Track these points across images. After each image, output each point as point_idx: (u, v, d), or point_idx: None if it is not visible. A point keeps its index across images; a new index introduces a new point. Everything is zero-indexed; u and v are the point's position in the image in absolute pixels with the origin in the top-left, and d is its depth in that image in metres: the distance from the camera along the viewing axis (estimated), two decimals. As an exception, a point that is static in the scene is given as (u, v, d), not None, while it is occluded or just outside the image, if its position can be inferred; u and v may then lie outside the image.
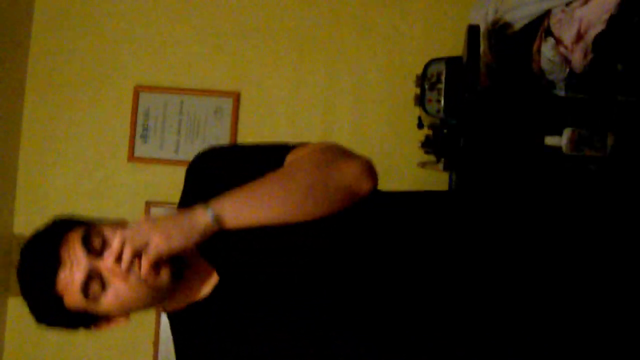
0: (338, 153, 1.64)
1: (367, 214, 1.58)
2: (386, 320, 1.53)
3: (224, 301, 1.59)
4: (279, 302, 1.55)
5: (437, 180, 3.18)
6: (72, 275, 1.50)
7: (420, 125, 3.02)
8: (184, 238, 1.50)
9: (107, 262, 1.50)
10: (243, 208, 1.53)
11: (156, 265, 1.51)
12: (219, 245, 1.56)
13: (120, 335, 3.47)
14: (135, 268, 1.50)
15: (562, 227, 1.62)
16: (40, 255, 1.53)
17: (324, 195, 1.55)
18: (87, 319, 1.57)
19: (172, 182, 3.45)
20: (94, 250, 1.51)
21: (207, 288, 1.61)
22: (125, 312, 1.57)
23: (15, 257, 1.58)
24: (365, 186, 1.59)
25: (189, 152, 3.45)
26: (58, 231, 1.55)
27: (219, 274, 1.60)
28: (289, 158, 1.63)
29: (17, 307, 3.41)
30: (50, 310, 1.55)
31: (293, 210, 1.53)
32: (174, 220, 1.51)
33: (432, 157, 3.01)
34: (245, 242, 1.56)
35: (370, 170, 1.62)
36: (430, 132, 2.98)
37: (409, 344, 1.53)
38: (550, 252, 1.57)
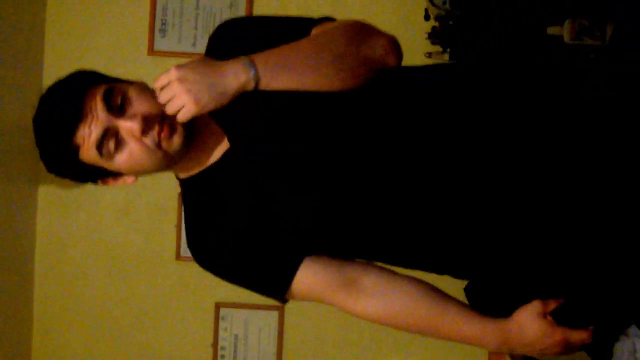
0: (366, 28, 1.63)
1: (381, 90, 1.58)
2: (392, 193, 1.53)
3: (233, 167, 1.59)
4: (289, 172, 1.55)
5: (443, 69, 3.28)
6: (89, 130, 1.48)
7: (426, 17, 3.10)
8: (216, 99, 1.49)
9: (126, 123, 1.49)
10: (280, 70, 1.50)
11: (171, 130, 1.50)
12: (232, 109, 1.54)
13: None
14: (153, 131, 1.49)
15: (563, 116, 1.59)
16: (64, 105, 1.50)
17: (354, 67, 1.55)
18: (96, 174, 1.57)
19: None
20: (115, 108, 1.50)
21: (217, 153, 1.60)
22: (135, 172, 1.57)
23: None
24: (392, 61, 1.61)
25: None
26: (82, 84, 1.53)
27: (230, 140, 1.59)
28: (316, 31, 1.63)
29: (48, 195, 3.59)
30: (64, 161, 1.53)
31: (323, 79, 1.53)
32: (209, 76, 1.48)
33: (438, 48, 3.10)
34: (259, 108, 1.55)
35: (397, 45, 1.62)
36: (436, 24, 3.07)
37: (412, 213, 1.53)
38: (549, 139, 1.55)
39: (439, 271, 1.64)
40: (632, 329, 1.64)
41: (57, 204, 3.61)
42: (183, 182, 1.66)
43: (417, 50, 3.35)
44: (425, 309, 1.60)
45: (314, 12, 3.48)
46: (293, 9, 3.58)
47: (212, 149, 1.60)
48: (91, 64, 3.62)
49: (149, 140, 1.50)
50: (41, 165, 1.59)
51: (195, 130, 1.56)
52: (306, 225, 1.57)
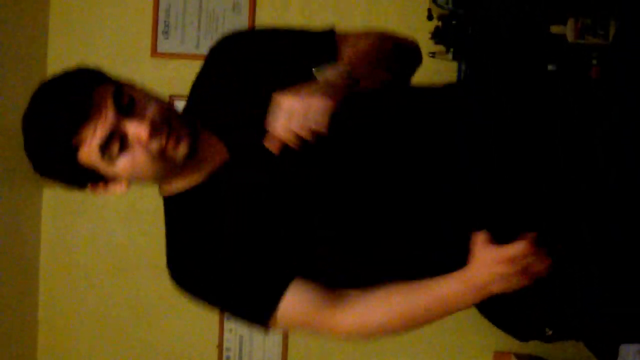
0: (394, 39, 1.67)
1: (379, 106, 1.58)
2: (381, 210, 1.52)
3: (230, 179, 1.55)
4: (293, 189, 1.52)
5: (446, 69, 3.28)
6: (94, 129, 1.40)
7: (429, 17, 3.10)
8: (336, 93, 1.41)
9: (134, 125, 1.42)
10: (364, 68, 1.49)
11: (177, 138, 1.45)
12: (230, 122, 1.53)
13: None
14: (161, 138, 1.43)
15: (565, 122, 1.60)
16: (70, 101, 1.41)
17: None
18: (90, 177, 1.49)
19: (194, 75, 3.58)
20: (123, 110, 1.43)
21: (208, 170, 1.56)
22: (133, 178, 1.49)
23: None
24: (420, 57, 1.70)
25: (209, 46, 3.57)
26: (90, 81, 1.46)
27: (229, 152, 1.55)
28: (348, 50, 1.58)
29: (53, 198, 3.58)
30: (60, 161, 1.45)
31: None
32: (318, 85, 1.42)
33: (441, 47, 3.11)
34: (259, 120, 1.50)
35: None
36: (439, 23, 3.07)
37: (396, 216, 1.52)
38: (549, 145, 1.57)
39: (432, 270, 1.60)
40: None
41: (61, 207, 3.61)
42: (167, 199, 1.59)
43: (420, 50, 3.35)
44: (399, 292, 1.54)
45: (317, 13, 3.52)
46: (296, 10, 3.58)
47: (208, 162, 1.55)
48: (94, 65, 3.66)
49: (154, 146, 1.43)
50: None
51: (199, 143, 1.50)
52: (304, 244, 1.53)
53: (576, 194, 1.55)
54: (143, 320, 3.68)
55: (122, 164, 1.45)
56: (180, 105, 3.54)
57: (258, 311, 1.55)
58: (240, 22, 3.59)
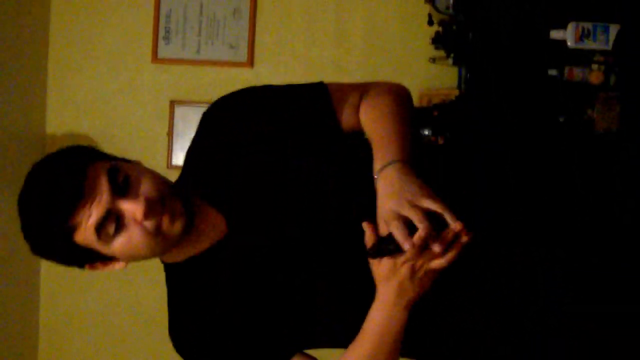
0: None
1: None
2: None
3: (228, 253, 1.53)
4: (295, 259, 1.51)
5: (447, 74, 3.29)
6: (90, 210, 1.37)
7: (430, 22, 3.10)
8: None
9: (130, 205, 1.39)
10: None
11: (172, 214, 1.42)
12: (228, 192, 1.52)
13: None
14: (157, 216, 1.40)
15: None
16: (63, 181, 1.37)
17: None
18: (87, 257, 1.46)
19: (195, 81, 3.59)
20: (118, 189, 1.39)
21: (211, 240, 1.54)
22: (130, 258, 1.47)
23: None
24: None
25: (210, 51, 3.59)
26: (82, 159, 1.42)
27: (228, 225, 1.53)
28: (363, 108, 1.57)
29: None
30: (56, 243, 1.41)
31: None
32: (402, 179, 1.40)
33: (442, 53, 3.11)
34: (262, 192, 1.51)
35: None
36: (440, 29, 3.08)
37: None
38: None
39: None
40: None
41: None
42: (169, 266, 1.57)
43: (421, 55, 3.36)
44: (350, 350, 1.51)
45: (318, 21, 3.52)
46: (297, 16, 3.59)
47: (207, 234, 1.53)
48: (95, 71, 3.68)
49: (149, 224, 1.40)
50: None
51: (195, 216, 1.48)
52: (307, 315, 1.52)
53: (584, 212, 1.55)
54: (144, 323, 3.68)
55: (119, 243, 1.41)
56: (181, 110, 3.61)
57: None
58: (240, 27, 3.60)
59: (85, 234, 1.39)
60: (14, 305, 3.51)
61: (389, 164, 1.42)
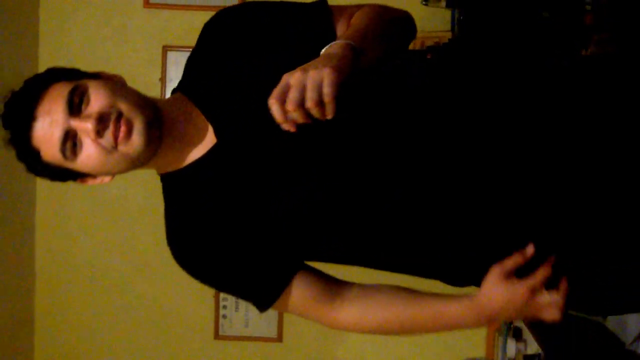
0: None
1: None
2: (394, 188, 1.46)
3: (218, 163, 1.50)
4: (285, 166, 1.48)
5: (440, 16, 3.27)
6: (50, 131, 1.41)
7: (423, -37, 3.10)
8: (343, 64, 1.33)
9: (80, 123, 1.40)
10: (367, 42, 1.42)
11: (128, 129, 1.41)
12: (220, 101, 1.50)
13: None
14: (108, 132, 1.40)
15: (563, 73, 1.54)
16: (19, 105, 1.43)
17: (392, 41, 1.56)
18: (65, 175, 1.49)
19: (188, 26, 3.57)
20: (75, 108, 1.40)
21: (202, 149, 1.51)
22: (101, 173, 1.48)
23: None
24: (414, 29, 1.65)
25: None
26: (43, 82, 1.44)
27: (217, 135, 1.50)
28: (350, 23, 1.53)
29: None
30: (31, 162, 1.46)
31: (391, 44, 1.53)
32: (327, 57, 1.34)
33: (434, -6, 3.11)
34: (251, 101, 1.46)
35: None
36: (433, -30, 3.07)
37: (410, 185, 1.46)
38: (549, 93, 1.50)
39: (434, 274, 1.60)
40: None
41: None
42: (164, 177, 1.56)
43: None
44: (402, 300, 1.57)
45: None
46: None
47: (197, 144, 1.50)
48: (87, 16, 3.66)
49: (105, 141, 1.40)
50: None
51: (162, 126, 1.46)
52: (304, 222, 1.49)
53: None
54: (140, 271, 3.72)
55: (80, 161, 1.43)
56: (173, 56, 3.59)
57: (260, 299, 1.56)
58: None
59: (52, 154, 1.42)
60: (8, 255, 3.53)
61: (336, 42, 1.39)
